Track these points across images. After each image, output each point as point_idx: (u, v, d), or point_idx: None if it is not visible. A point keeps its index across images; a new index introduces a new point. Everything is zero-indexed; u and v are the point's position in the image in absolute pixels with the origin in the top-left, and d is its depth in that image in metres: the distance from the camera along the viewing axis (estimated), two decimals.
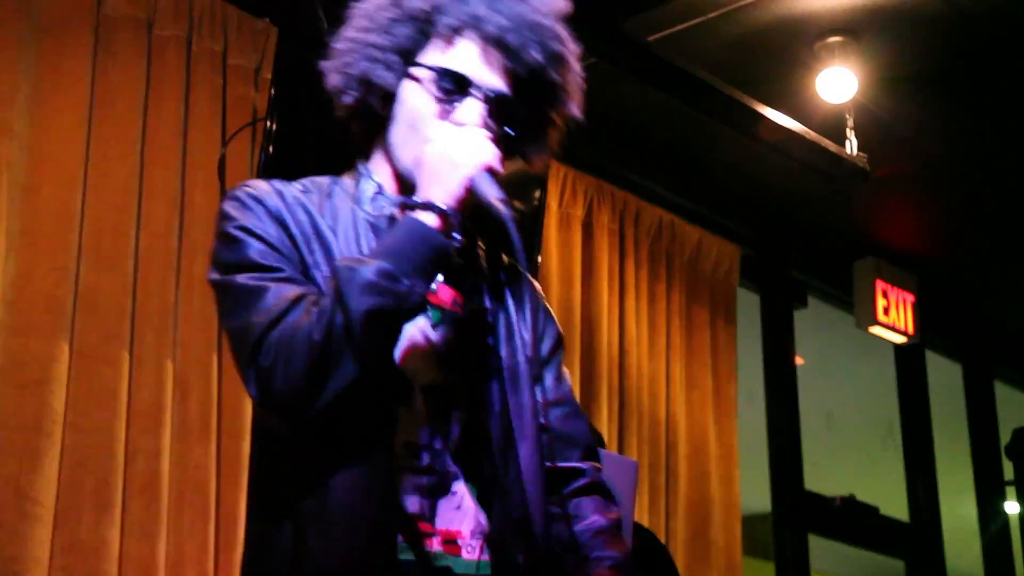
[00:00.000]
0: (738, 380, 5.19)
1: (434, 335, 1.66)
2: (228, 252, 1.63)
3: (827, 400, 6.56)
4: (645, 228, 4.95)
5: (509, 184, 2.21)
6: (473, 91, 1.66)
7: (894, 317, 5.70)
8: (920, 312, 5.85)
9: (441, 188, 1.58)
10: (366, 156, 1.79)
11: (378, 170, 1.75)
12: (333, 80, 1.75)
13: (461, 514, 1.62)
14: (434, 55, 1.68)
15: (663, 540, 4.56)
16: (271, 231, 1.63)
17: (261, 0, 3.69)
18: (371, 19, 1.70)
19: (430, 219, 1.57)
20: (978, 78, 4.48)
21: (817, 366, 6.16)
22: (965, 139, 4.90)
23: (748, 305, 5.51)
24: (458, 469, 1.64)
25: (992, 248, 5.84)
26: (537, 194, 4.19)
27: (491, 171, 1.60)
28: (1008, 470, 5.56)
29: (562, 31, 1.71)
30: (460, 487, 1.64)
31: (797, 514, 5.40)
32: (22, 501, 3.03)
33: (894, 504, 6.11)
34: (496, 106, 1.67)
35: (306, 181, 1.75)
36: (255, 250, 1.61)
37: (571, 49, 1.73)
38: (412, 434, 1.61)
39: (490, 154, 1.61)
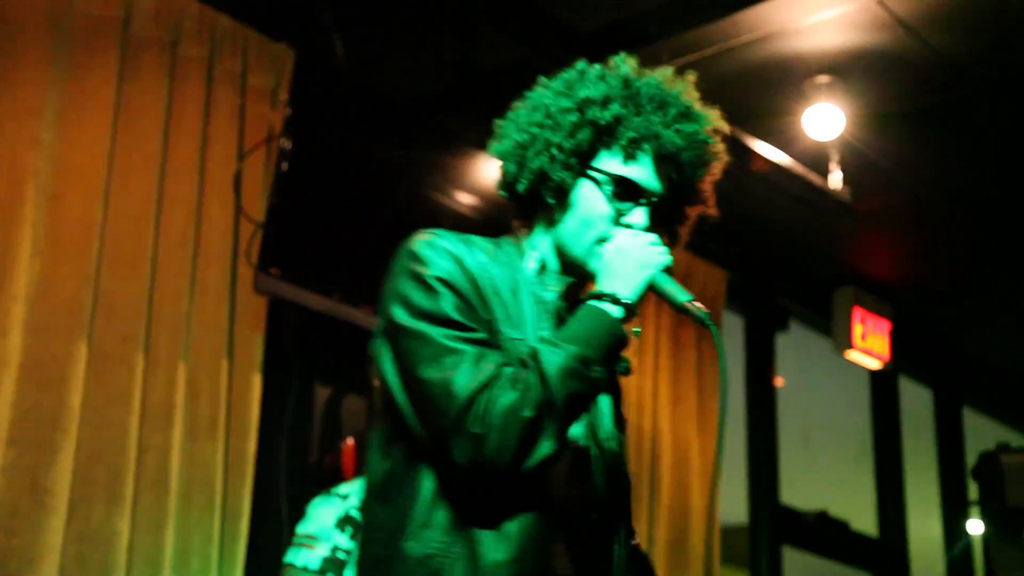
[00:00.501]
0: None
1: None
2: (423, 298, 1.71)
3: (804, 419, 6.70)
4: None
5: None
6: (644, 199, 1.84)
7: (870, 343, 5.82)
8: (895, 339, 5.98)
9: (625, 284, 1.75)
10: (528, 229, 1.91)
11: (539, 245, 1.89)
12: (508, 167, 1.89)
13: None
14: (613, 162, 1.84)
15: (645, 547, 4.71)
16: (466, 287, 1.73)
17: (280, 24, 3.82)
18: (552, 118, 1.84)
19: (616, 311, 1.74)
20: (956, 117, 4.61)
21: (796, 387, 6.30)
22: (943, 176, 5.04)
23: (733, 327, 5.66)
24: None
25: (965, 281, 5.98)
26: None
27: (668, 271, 1.78)
28: (973, 491, 5.71)
29: (720, 148, 1.90)
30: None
31: (772, 526, 5.55)
32: (38, 492, 3.13)
33: (864, 520, 6.26)
34: (658, 210, 1.85)
35: (478, 240, 1.85)
36: (452, 305, 1.71)
37: (723, 163, 1.91)
38: (562, 488, 1.76)
39: (666, 256, 1.79)
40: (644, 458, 4.93)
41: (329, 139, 3.75)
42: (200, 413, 3.49)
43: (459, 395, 1.63)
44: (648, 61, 4.26)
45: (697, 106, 1.88)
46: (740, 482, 5.52)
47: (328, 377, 3.93)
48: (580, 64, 1.91)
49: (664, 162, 1.84)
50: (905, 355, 6.26)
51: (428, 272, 1.73)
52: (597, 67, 1.90)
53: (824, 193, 4.59)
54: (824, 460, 7.25)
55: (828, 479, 7.18)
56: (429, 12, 3.91)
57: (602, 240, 1.82)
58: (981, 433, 6.54)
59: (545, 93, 1.89)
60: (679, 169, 1.85)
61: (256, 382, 3.64)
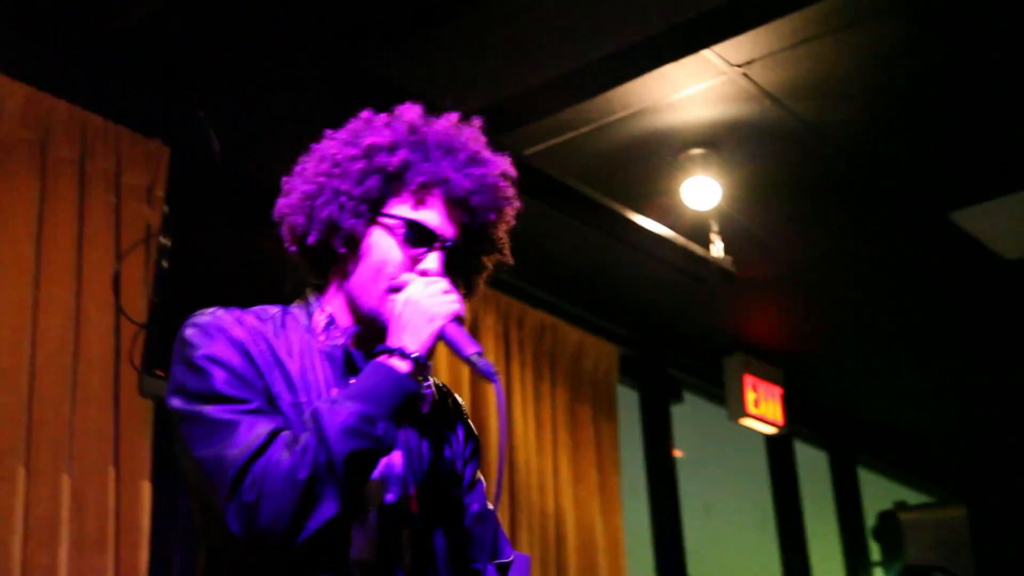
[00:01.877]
0: (622, 473, 5.32)
1: (385, 459, 1.72)
2: (194, 381, 1.68)
3: (705, 490, 6.74)
4: (529, 331, 5.11)
5: None
6: (437, 243, 1.80)
7: (764, 409, 5.90)
8: (787, 404, 6.08)
9: (413, 337, 1.70)
10: (319, 288, 1.88)
11: (331, 302, 1.85)
12: (295, 219, 1.84)
13: None
14: (402, 208, 1.80)
15: None
16: (236, 361, 1.69)
17: (153, 121, 3.76)
18: (340, 166, 1.81)
19: (403, 366, 1.68)
20: (827, 187, 4.75)
21: (695, 458, 6.34)
22: (820, 243, 5.18)
23: (628, 401, 5.69)
24: None
25: (851, 344, 6.13)
26: None
27: (459, 319, 1.73)
28: (875, 551, 5.79)
29: (512, 192, 1.87)
30: None
31: None
32: None
33: None
34: (452, 255, 1.81)
35: (257, 310, 1.81)
36: (222, 380, 1.67)
37: (515, 208, 1.89)
38: (364, 552, 1.69)
39: (456, 304, 1.73)
40: (549, 540, 4.87)
41: (210, 234, 3.69)
42: (87, 526, 3.34)
43: (230, 466, 1.59)
44: (522, 143, 4.35)
45: (486, 151, 1.86)
46: (647, 555, 5.50)
47: None
48: (365, 113, 1.89)
49: (455, 206, 1.82)
50: (798, 419, 6.37)
51: (196, 354, 1.70)
52: (383, 115, 1.88)
53: (706, 263, 4.66)
54: (728, 528, 7.29)
55: (733, 547, 7.21)
56: (303, 99, 3.91)
57: (395, 289, 1.77)
58: (878, 492, 6.64)
59: (331, 144, 1.86)
60: (471, 213, 1.83)
61: (146, 490, 3.51)
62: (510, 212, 1.88)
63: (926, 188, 4.76)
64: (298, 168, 1.88)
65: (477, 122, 1.89)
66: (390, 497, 1.74)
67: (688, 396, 6.05)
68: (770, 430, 6.01)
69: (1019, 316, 5.85)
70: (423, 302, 1.72)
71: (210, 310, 1.78)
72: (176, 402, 1.70)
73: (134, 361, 3.51)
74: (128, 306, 3.57)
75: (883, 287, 5.56)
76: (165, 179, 3.70)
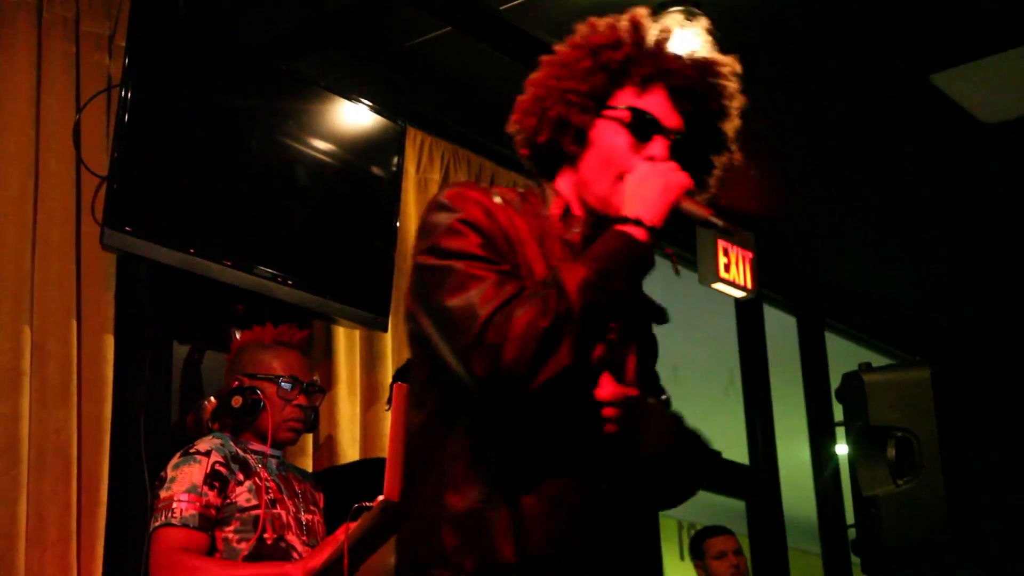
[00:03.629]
0: None
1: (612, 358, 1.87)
2: (450, 240, 1.78)
3: (673, 353, 6.79)
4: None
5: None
6: (662, 131, 1.87)
7: (734, 274, 5.93)
8: (758, 269, 6.11)
9: (648, 208, 1.80)
10: (550, 178, 1.98)
11: (564, 192, 1.95)
12: (527, 122, 1.95)
13: None
14: (627, 99, 1.89)
15: None
16: (492, 230, 1.81)
17: None
18: (567, 67, 1.91)
19: (639, 233, 1.78)
20: (806, 48, 4.67)
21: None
22: (795, 106, 5.13)
23: None
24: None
25: (822, 210, 6.14)
26: (395, 159, 4.29)
27: (690, 193, 1.83)
28: (839, 413, 5.87)
29: (736, 89, 1.94)
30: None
31: None
32: None
33: (735, 449, 6.41)
34: (677, 145, 1.89)
35: (501, 191, 1.92)
36: (477, 244, 1.78)
37: (739, 106, 1.96)
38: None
39: (687, 180, 1.83)
40: None
41: (173, 88, 3.60)
42: (50, 378, 3.34)
43: (480, 312, 1.69)
44: None
45: (709, 47, 1.93)
46: None
47: (186, 334, 3.80)
48: (593, 19, 1.96)
49: (678, 98, 1.89)
50: (768, 284, 6.39)
51: (452, 217, 1.81)
52: (610, 18, 1.95)
53: None
54: (693, 391, 7.39)
55: (698, 410, 7.30)
56: None
57: (623, 175, 1.86)
58: (843, 357, 6.71)
59: (561, 50, 1.95)
60: (695, 103, 1.89)
61: (109, 343, 3.50)
62: (734, 106, 1.94)
63: (906, 49, 4.69)
64: (531, 78, 1.97)
65: (703, 22, 1.96)
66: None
67: (659, 260, 6.05)
68: (740, 294, 6.05)
69: (992, 181, 5.85)
70: (654, 178, 1.82)
71: (463, 182, 2.00)
72: (428, 258, 1.80)
73: (96, 214, 3.47)
74: (89, 158, 3.52)
75: (858, 150, 5.53)
76: (127, 28, 3.58)
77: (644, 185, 1.82)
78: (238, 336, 3.53)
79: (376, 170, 4.23)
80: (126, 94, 3.43)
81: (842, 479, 6.61)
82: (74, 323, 3.42)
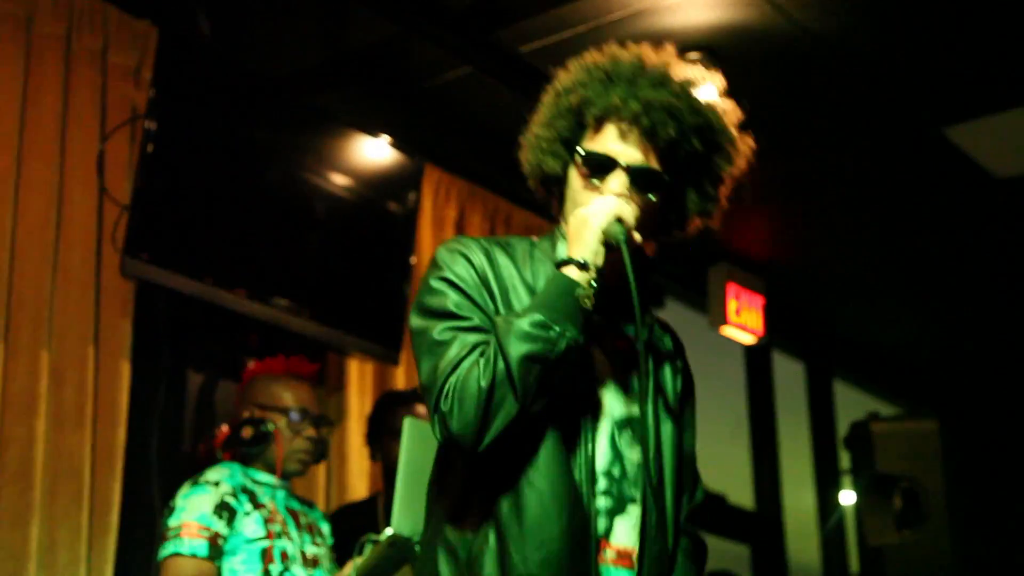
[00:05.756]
0: None
1: (619, 373, 1.93)
2: (430, 298, 1.89)
3: None
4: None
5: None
6: (617, 167, 1.91)
7: (745, 318, 5.92)
8: (768, 314, 6.10)
9: (580, 245, 1.85)
10: (557, 221, 2.05)
11: (566, 234, 1.97)
12: (524, 168, 2.05)
13: (633, 533, 1.89)
14: (586, 141, 1.95)
15: None
16: (471, 283, 1.89)
17: (142, 1, 3.71)
18: (540, 113, 2.01)
19: (574, 272, 1.83)
20: (822, 97, 4.72)
21: None
22: (810, 154, 5.17)
23: None
24: (634, 494, 1.90)
25: (834, 258, 6.15)
26: (412, 196, 4.33)
27: (619, 220, 1.86)
28: (845, 461, 5.87)
29: (700, 105, 1.95)
30: (634, 510, 1.90)
31: None
32: None
33: (740, 494, 6.40)
34: (638, 176, 1.92)
35: (511, 240, 2.01)
36: (452, 301, 1.87)
37: (712, 123, 1.96)
38: (597, 459, 1.88)
39: (616, 206, 1.87)
40: None
41: (197, 119, 3.65)
42: (65, 402, 3.38)
43: (438, 379, 1.79)
44: (518, 39, 4.29)
45: (673, 74, 1.95)
46: None
47: (201, 363, 3.84)
48: (580, 58, 2.01)
49: (633, 132, 1.91)
50: (778, 330, 6.40)
51: (436, 275, 1.90)
52: (590, 58, 2.00)
53: None
54: (701, 434, 7.38)
55: (705, 453, 7.30)
56: None
57: None
58: (851, 404, 6.71)
59: (542, 96, 2.03)
60: (650, 135, 1.90)
61: (125, 369, 3.54)
62: (704, 125, 1.95)
63: (921, 102, 4.73)
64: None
65: (671, 48, 2.02)
66: (622, 409, 1.91)
67: (669, 302, 6.08)
68: (750, 339, 6.05)
69: (1004, 235, 5.87)
70: (586, 214, 1.87)
71: (462, 238, 1.97)
72: (412, 319, 1.91)
73: (116, 242, 3.51)
74: (112, 187, 3.57)
75: (871, 201, 5.55)
76: (153, 60, 3.64)
77: (576, 222, 1.88)
78: (250, 366, 3.56)
79: (393, 205, 4.28)
80: (150, 125, 3.49)
81: (847, 527, 6.59)
82: (91, 349, 3.46)
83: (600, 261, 1.85)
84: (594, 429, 1.88)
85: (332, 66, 4.33)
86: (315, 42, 4.24)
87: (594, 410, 1.90)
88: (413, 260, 4.28)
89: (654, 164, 1.92)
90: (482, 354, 1.77)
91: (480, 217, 4.92)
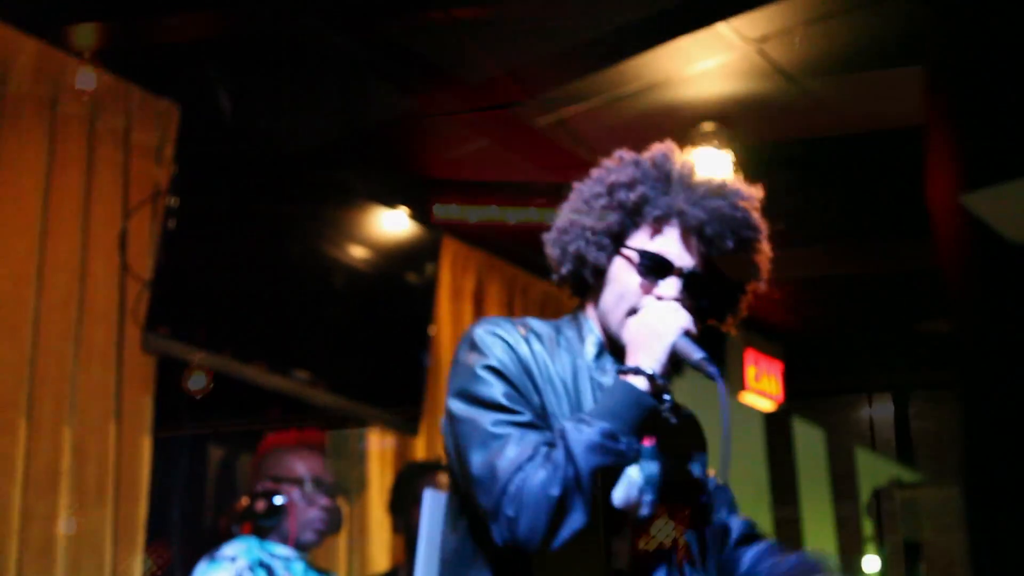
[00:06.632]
0: None
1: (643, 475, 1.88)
2: (477, 387, 1.85)
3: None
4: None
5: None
6: (673, 271, 1.93)
7: (764, 384, 5.93)
8: (787, 379, 6.11)
9: (648, 355, 1.85)
10: (582, 307, 2.05)
11: (592, 325, 2.01)
12: (553, 252, 2.03)
13: None
14: (642, 239, 1.96)
15: None
16: (517, 375, 1.86)
17: (164, 80, 3.76)
18: (587, 204, 2.00)
19: (641, 383, 1.83)
20: (829, 158, 4.76)
21: None
22: (828, 223, 5.20)
23: None
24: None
25: (850, 320, 6.15)
26: (430, 267, 4.36)
27: (688, 333, 1.87)
28: (867, 528, 5.81)
29: (754, 220, 1.99)
30: None
31: None
32: None
33: None
34: (691, 281, 1.94)
35: (536, 325, 1.98)
36: (501, 392, 1.84)
37: (761, 235, 2.00)
38: (622, 560, 1.86)
39: (685, 319, 1.87)
40: None
41: (217, 195, 3.70)
42: (87, 478, 3.39)
43: (499, 479, 1.75)
44: (534, 112, 4.33)
45: (730, 184, 1.98)
46: None
47: (221, 437, 3.85)
48: (622, 152, 2.03)
49: (692, 237, 1.94)
50: (797, 396, 6.37)
51: (483, 362, 1.86)
52: (634, 155, 2.02)
53: None
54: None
55: None
56: (315, 65, 3.90)
57: (633, 311, 1.92)
58: (873, 470, 6.66)
59: (586, 183, 2.03)
60: (709, 244, 1.94)
61: (146, 445, 3.55)
62: (753, 241, 1.99)
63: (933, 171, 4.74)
64: (562, 206, 2.06)
65: (731, 156, 2.01)
66: (645, 510, 1.87)
67: (688, 369, 6.06)
68: (769, 406, 6.03)
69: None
70: (653, 321, 1.87)
71: (496, 319, 1.96)
72: (457, 405, 1.86)
73: (138, 318, 3.54)
74: (134, 264, 3.60)
75: (880, 261, 5.56)
76: (175, 139, 3.70)
77: (642, 331, 1.87)
78: (265, 439, 3.57)
79: (411, 277, 4.31)
80: (171, 202, 3.53)
81: None
82: (113, 425, 3.48)
83: (664, 372, 1.86)
84: (620, 533, 1.88)
85: (350, 141, 4.38)
86: (333, 117, 4.30)
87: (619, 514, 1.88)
88: (432, 330, 4.30)
89: (704, 269, 1.95)
90: (547, 457, 1.75)
91: (498, 287, 4.94)
